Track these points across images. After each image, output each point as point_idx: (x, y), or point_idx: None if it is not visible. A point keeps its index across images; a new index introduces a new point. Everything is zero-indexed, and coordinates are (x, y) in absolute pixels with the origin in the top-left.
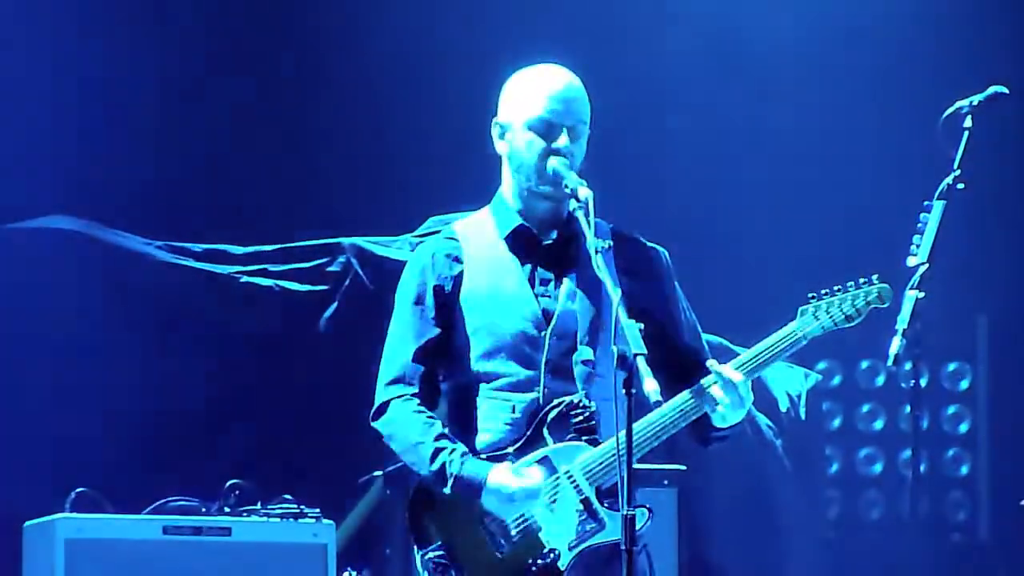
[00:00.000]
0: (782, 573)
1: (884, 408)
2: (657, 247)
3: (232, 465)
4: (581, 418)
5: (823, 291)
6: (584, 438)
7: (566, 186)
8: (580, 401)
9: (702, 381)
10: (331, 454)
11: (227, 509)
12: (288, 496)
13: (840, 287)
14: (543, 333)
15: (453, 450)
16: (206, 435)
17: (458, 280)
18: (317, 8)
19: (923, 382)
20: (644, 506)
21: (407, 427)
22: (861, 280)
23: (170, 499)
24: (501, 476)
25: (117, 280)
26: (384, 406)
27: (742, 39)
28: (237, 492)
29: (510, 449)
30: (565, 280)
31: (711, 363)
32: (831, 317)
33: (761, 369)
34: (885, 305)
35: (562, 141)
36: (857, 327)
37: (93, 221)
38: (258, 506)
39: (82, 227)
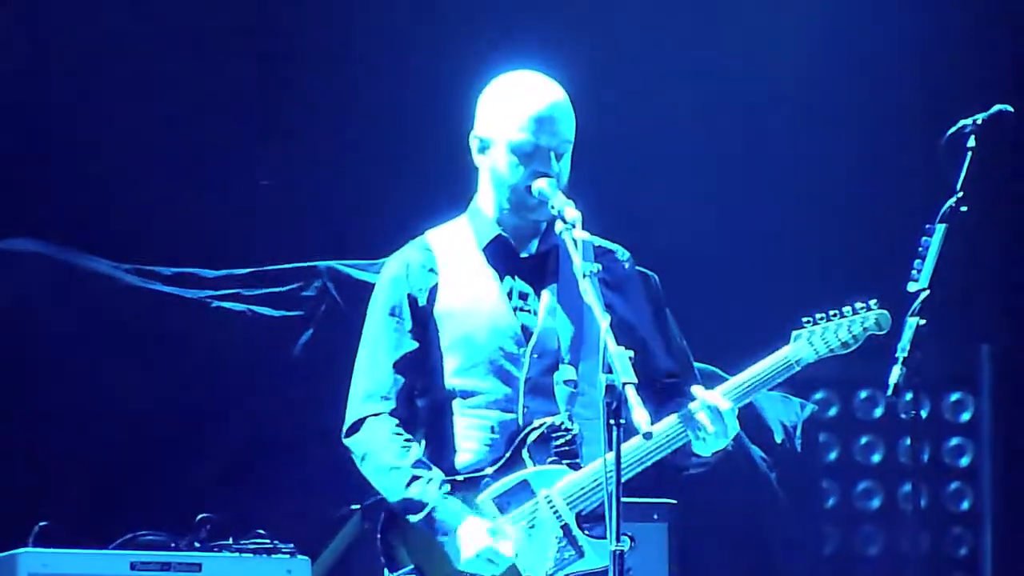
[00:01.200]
0: None
1: (883, 440)
2: (647, 272)
3: (203, 498)
4: (563, 440)
5: (818, 315)
6: (565, 461)
7: (552, 207)
8: (562, 423)
9: (689, 407)
10: (306, 487)
11: (197, 544)
12: (261, 531)
13: (836, 312)
14: (523, 350)
15: (430, 480)
16: (176, 467)
17: (433, 292)
18: (292, 25)
19: (924, 413)
20: (627, 535)
21: (382, 448)
22: (859, 305)
23: (138, 533)
24: (474, 532)
25: (82, 305)
26: (359, 423)
27: (736, 62)
28: (208, 526)
29: (489, 470)
30: (544, 294)
31: (696, 390)
32: (826, 343)
33: (752, 395)
34: (883, 332)
35: (548, 165)
36: (855, 355)
37: (57, 244)
38: (230, 541)
39: (46, 249)
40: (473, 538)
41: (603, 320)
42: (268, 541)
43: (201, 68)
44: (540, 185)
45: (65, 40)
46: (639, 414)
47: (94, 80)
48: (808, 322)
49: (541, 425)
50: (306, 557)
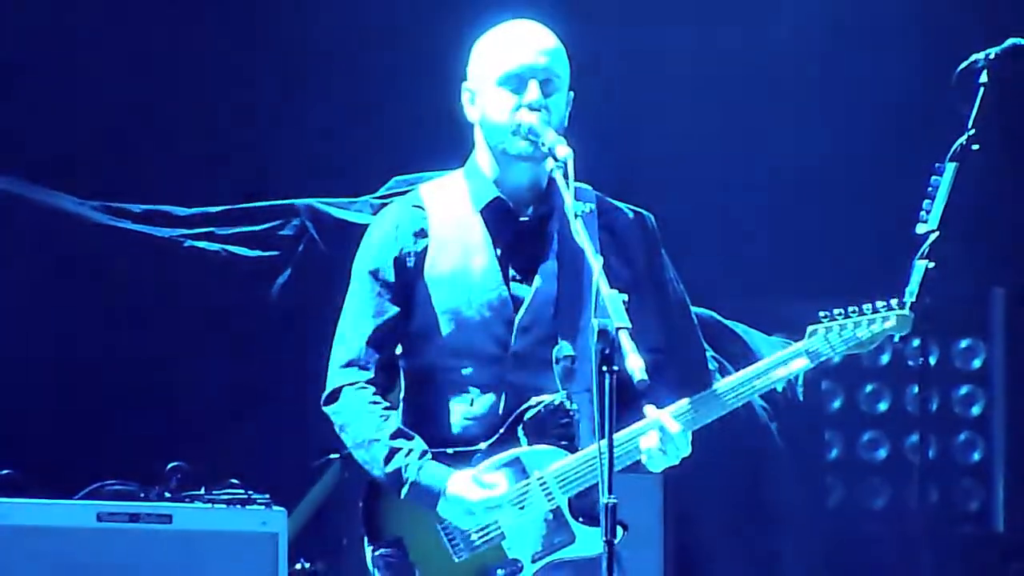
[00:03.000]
0: (777, 566)
1: (889, 388)
2: (642, 211)
3: (174, 446)
4: (560, 422)
5: (836, 311)
6: (562, 442)
7: (542, 144)
8: (561, 403)
9: (639, 424)
10: (283, 434)
11: (168, 494)
12: (235, 480)
13: (856, 309)
14: (510, 323)
15: (410, 451)
16: (145, 413)
17: (422, 256)
18: None
19: (932, 360)
20: (620, 522)
21: (361, 420)
22: (879, 303)
23: (105, 483)
24: (461, 486)
25: (47, 244)
26: (336, 392)
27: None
28: (179, 475)
29: (482, 445)
30: (543, 261)
31: (649, 409)
32: (843, 340)
33: (763, 390)
34: (903, 334)
35: (533, 94)
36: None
37: (19, 178)
38: (201, 491)
39: (6, 184)
40: (464, 493)
41: (595, 262)
42: (242, 491)
43: (179, 5)
44: (528, 118)
45: None
46: (633, 360)
47: (64, 9)
48: (825, 317)
49: (539, 404)
50: (282, 508)
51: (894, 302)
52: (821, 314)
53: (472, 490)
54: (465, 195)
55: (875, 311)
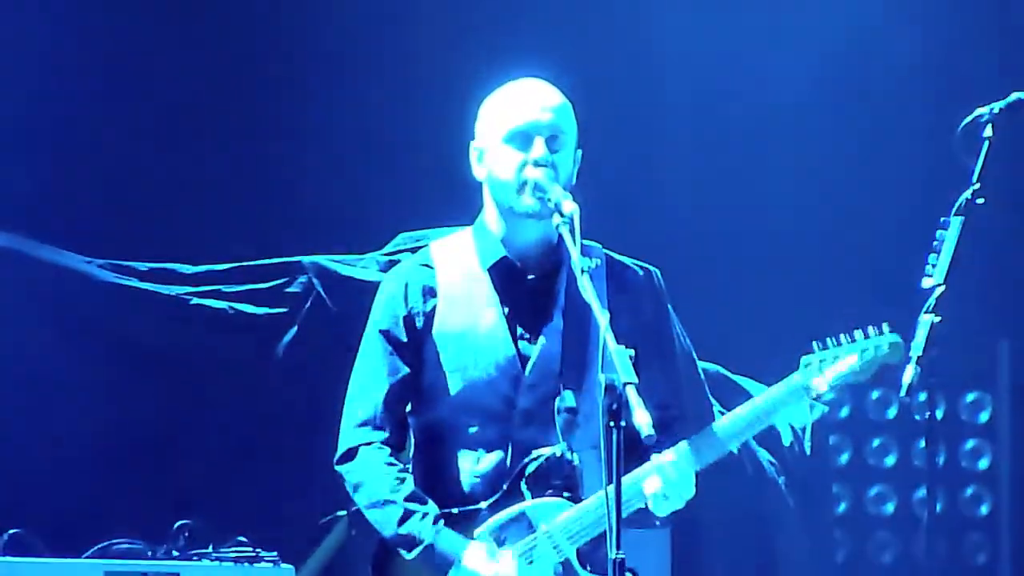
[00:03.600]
0: None
1: (897, 442)
2: (649, 267)
3: (181, 504)
4: (562, 473)
5: (829, 340)
6: (565, 494)
7: (548, 200)
8: (563, 454)
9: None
10: (290, 492)
11: (175, 552)
12: (243, 538)
13: (848, 336)
14: (517, 381)
15: (425, 515)
16: (153, 471)
17: (431, 315)
18: (281, 16)
19: (939, 414)
20: (630, 570)
21: (376, 480)
22: (870, 330)
23: (113, 541)
24: (476, 560)
25: (55, 302)
26: (352, 452)
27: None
28: (186, 533)
29: (483, 504)
30: (550, 319)
31: (656, 458)
32: (837, 372)
33: (762, 427)
34: (896, 361)
35: (539, 151)
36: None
37: (28, 237)
38: (209, 549)
39: (15, 243)
40: (480, 565)
41: (602, 317)
42: (250, 549)
43: (183, 62)
44: (534, 175)
45: (39, 31)
46: (640, 416)
47: (68, 71)
48: (819, 346)
49: (540, 456)
50: (290, 566)
51: (885, 327)
52: (814, 343)
53: (488, 566)
54: (473, 254)
55: (867, 338)
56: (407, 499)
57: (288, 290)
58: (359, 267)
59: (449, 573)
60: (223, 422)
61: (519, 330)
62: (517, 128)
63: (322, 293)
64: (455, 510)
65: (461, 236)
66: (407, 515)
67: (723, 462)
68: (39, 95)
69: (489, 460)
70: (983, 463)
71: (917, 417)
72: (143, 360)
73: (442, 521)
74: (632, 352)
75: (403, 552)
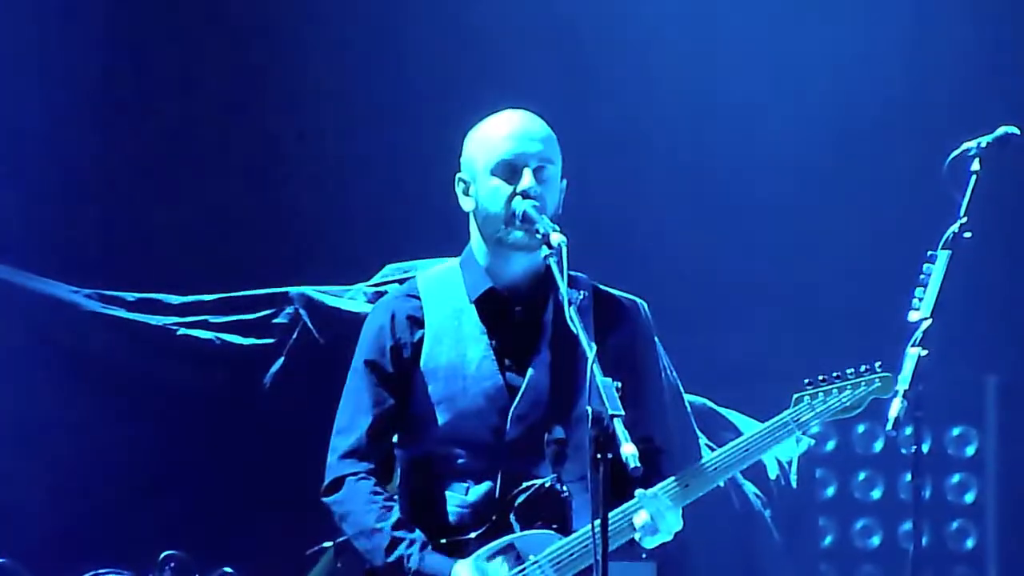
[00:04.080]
0: None
1: (883, 476)
2: (636, 299)
3: (167, 534)
4: (551, 504)
5: (820, 378)
6: (554, 525)
7: (536, 231)
8: (552, 485)
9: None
10: (276, 523)
11: None
12: (228, 569)
13: (839, 374)
14: (505, 412)
15: (412, 542)
16: (139, 502)
17: (418, 346)
18: (265, 42)
19: (925, 448)
20: None
21: (363, 510)
22: (862, 368)
23: (99, 571)
24: (464, 574)
25: (41, 332)
26: (338, 482)
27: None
28: (172, 564)
29: (472, 535)
30: (537, 350)
31: (640, 493)
32: (828, 407)
33: (754, 457)
34: (887, 396)
35: (527, 181)
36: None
37: (15, 266)
38: None
39: (3, 272)
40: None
41: (589, 350)
42: None
43: (174, 89)
44: (522, 206)
45: (25, 51)
46: (627, 448)
47: (56, 95)
48: (809, 384)
49: (530, 487)
50: None
51: (877, 365)
52: (806, 381)
53: None
54: (460, 285)
55: (858, 375)
56: (394, 527)
57: (275, 321)
58: (346, 298)
59: None
60: (209, 453)
61: (507, 361)
62: (504, 159)
63: (309, 324)
64: (443, 540)
65: (448, 267)
66: (395, 543)
67: (709, 495)
68: (26, 125)
69: (477, 491)
70: (969, 497)
71: (903, 451)
72: (129, 390)
73: (429, 547)
74: (619, 384)
75: None
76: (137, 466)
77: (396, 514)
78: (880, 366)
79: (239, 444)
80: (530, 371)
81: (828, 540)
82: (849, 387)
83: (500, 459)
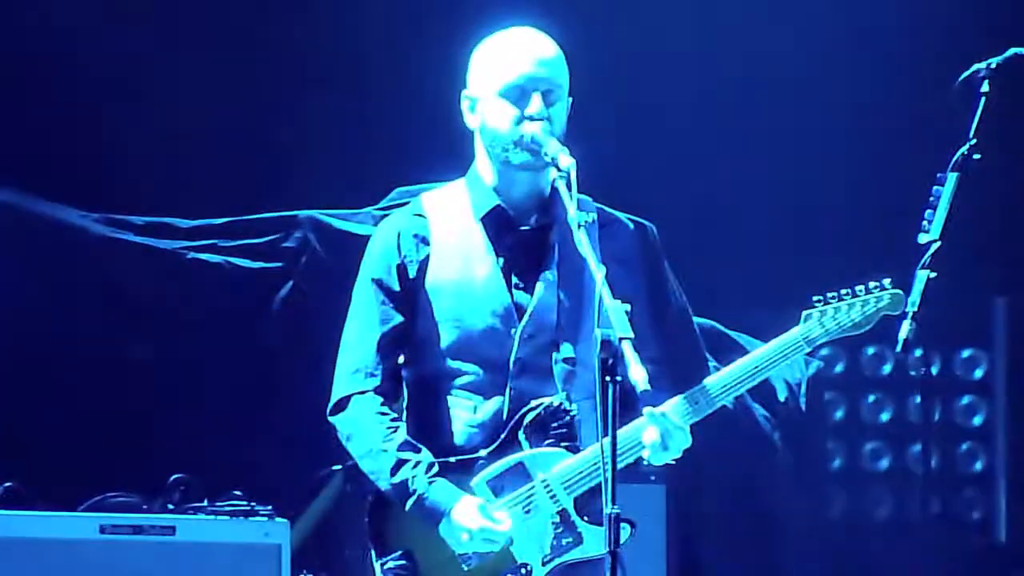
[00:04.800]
0: (779, 575)
1: (892, 398)
2: (644, 222)
3: (176, 458)
4: (560, 422)
5: (829, 295)
6: (563, 444)
7: (545, 154)
8: (560, 404)
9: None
10: (285, 446)
11: (171, 506)
12: (238, 492)
13: (848, 291)
14: (513, 331)
15: (417, 463)
16: (148, 426)
17: (424, 264)
18: None
19: (934, 370)
20: (628, 520)
21: (368, 430)
22: (871, 284)
23: (108, 495)
24: (466, 514)
25: (50, 256)
26: (344, 401)
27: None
28: (182, 488)
29: (483, 452)
30: (544, 270)
31: (649, 411)
32: (838, 323)
33: (763, 374)
34: (896, 313)
35: (536, 106)
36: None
37: (22, 191)
38: (205, 503)
39: (10, 198)
40: (467, 519)
41: (598, 272)
42: (245, 503)
43: (180, 16)
44: (531, 129)
45: None
46: (636, 371)
47: (65, 18)
48: (819, 301)
49: (539, 406)
50: (285, 520)
51: (886, 282)
52: (815, 298)
53: (476, 519)
54: (466, 203)
55: (868, 292)
56: (400, 448)
57: (284, 245)
58: (355, 222)
59: (439, 525)
60: (219, 377)
61: (514, 279)
62: (513, 82)
63: (318, 247)
64: (452, 459)
65: (453, 186)
66: (399, 464)
67: (718, 417)
68: (33, 47)
69: (486, 409)
70: (978, 419)
71: (912, 373)
72: (138, 314)
73: (436, 469)
74: (628, 307)
75: (399, 504)
76: (145, 390)
77: (403, 434)
78: (890, 282)
79: (248, 368)
80: (538, 290)
81: (837, 463)
82: (859, 303)
83: (508, 378)
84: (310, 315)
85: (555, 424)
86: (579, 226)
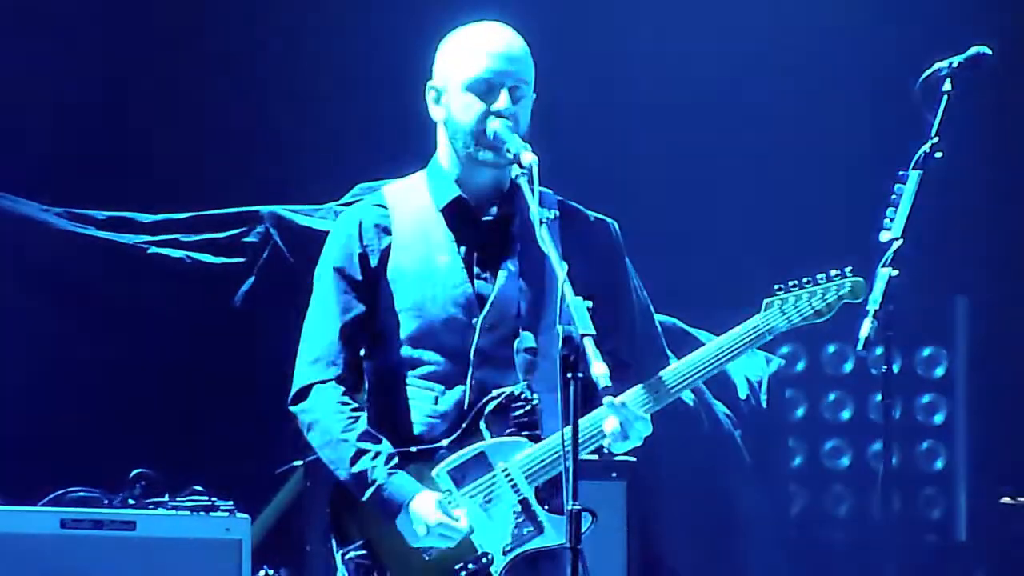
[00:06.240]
0: (740, 572)
1: (852, 396)
2: (606, 219)
3: (137, 453)
4: (521, 411)
5: (791, 283)
6: (524, 433)
7: (508, 151)
8: (521, 393)
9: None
10: (246, 442)
11: (131, 501)
12: (199, 487)
13: (809, 279)
14: (474, 320)
15: (377, 454)
16: (109, 421)
17: (385, 253)
18: None
19: (895, 368)
20: (588, 510)
21: (329, 419)
22: (832, 272)
23: (69, 489)
24: (424, 506)
25: (11, 251)
26: (305, 390)
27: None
28: (143, 482)
29: (444, 442)
30: (505, 260)
31: (608, 401)
32: (799, 311)
33: (723, 364)
34: (858, 300)
35: (502, 102)
36: None
37: None
38: (166, 498)
39: None
40: (424, 513)
41: (559, 269)
42: (206, 498)
43: (142, 8)
44: (494, 125)
45: None
46: (597, 367)
47: (31, 15)
48: (780, 289)
49: (500, 395)
50: (246, 515)
51: (848, 269)
52: (776, 286)
53: (434, 514)
54: (427, 194)
55: (829, 279)
56: (360, 438)
57: (246, 240)
58: (316, 217)
59: (397, 517)
60: (180, 372)
61: (476, 269)
62: (479, 76)
63: (279, 243)
64: (414, 448)
65: (415, 178)
66: (359, 454)
67: (680, 415)
68: None
69: (446, 400)
70: (939, 418)
71: (873, 371)
72: (99, 309)
73: (396, 460)
74: (589, 303)
75: (357, 495)
76: (107, 385)
77: (363, 424)
78: (851, 270)
79: (209, 363)
80: (499, 280)
81: (798, 461)
82: (820, 291)
83: (470, 367)
84: (271, 310)
85: (516, 413)
86: (541, 223)
